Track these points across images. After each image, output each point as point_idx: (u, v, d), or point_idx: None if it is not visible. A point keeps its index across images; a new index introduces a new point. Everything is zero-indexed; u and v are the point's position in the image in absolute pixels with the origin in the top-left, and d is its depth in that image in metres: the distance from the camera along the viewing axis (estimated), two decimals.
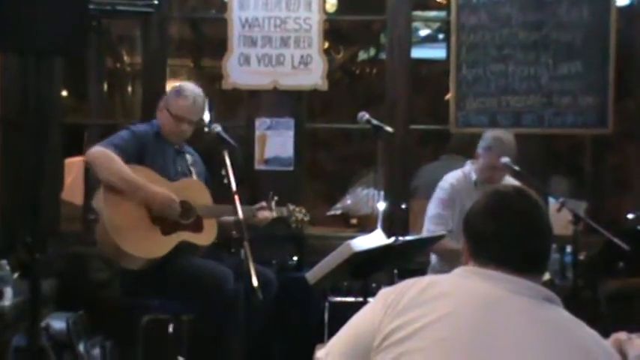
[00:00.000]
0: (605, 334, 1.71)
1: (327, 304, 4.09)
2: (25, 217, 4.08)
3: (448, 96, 4.96)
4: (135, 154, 3.60)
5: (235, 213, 3.18)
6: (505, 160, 3.88)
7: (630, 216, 4.94)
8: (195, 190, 3.73)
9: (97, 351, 4.15)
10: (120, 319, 3.85)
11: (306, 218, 3.91)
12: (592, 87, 4.78)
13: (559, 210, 3.71)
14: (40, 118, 4.39)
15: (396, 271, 4.00)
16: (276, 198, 3.85)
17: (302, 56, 4.84)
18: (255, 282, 2.97)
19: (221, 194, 3.53)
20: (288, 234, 4.39)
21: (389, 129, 3.55)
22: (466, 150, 4.50)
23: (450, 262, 3.61)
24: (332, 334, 1.69)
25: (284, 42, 4.84)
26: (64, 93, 5.63)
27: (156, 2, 4.81)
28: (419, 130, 5.32)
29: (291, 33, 4.84)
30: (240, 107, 5.42)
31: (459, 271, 1.63)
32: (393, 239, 3.11)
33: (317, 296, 4.18)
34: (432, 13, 6.96)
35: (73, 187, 5.40)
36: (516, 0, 4.78)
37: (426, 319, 1.51)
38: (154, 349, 3.70)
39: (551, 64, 4.79)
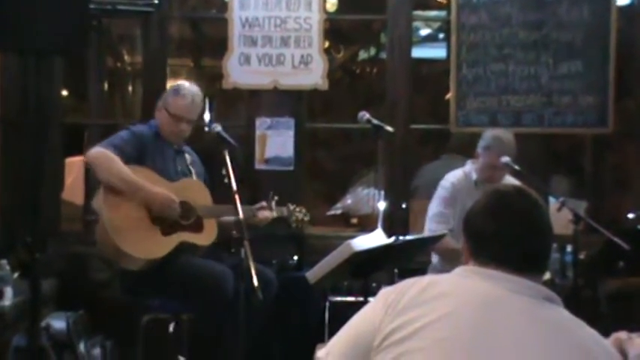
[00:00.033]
0: (606, 333, 1.71)
1: (327, 303, 4.09)
2: (25, 217, 4.08)
3: (448, 95, 4.96)
4: (135, 155, 3.60)
5: (235, 213, 3.18)
6: (505, 159, 3.87)
7: (630, 215, 4.95)
8: (195, 190, 3.73)
9: (97, 351, 4.15)
10: (120, 318, 3.85)
11: (306, 218, 3.91)
12: (592, 86, 4.78)
13: (559, 209, 3.71)
14: (40, 118, 4.39)
15: (396, 270, 4.00)
16: (276, 198, 3.85)
17: (302, 56, 4.84)
18: (255, 282, 2.97)
19: (221, 194, 3.53)
20: (288, 234, 4.39)
21: (389, 128, 3.54)
22: (466, 149, 4.50)
23: (451, 261, 3.61)
24: (332, 333, 1.69)
25: (284, 42, 4.84)
26: (64, 93, 5.63)
27: (156, 2, 4.81)
28: (419, 130, 5.32)
29: (292, 32, 4.84)
30: (240, 107, 5.42)
31: (459, 271, 1.63)
32: (393, 239, 3.12)
33: (317, 296, 4.18)
34: (433, 13, 6.96)
35: (73, 187, 5.41)
36: None
37: (426, 319, 1.51)
38: (154, 348, 3.70)
39: (551, 64, 4.79)
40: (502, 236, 1.60)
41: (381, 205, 3.73)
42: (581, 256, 4.17)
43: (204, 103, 4.01)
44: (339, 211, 5.78)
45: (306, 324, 4.26)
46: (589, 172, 5.62)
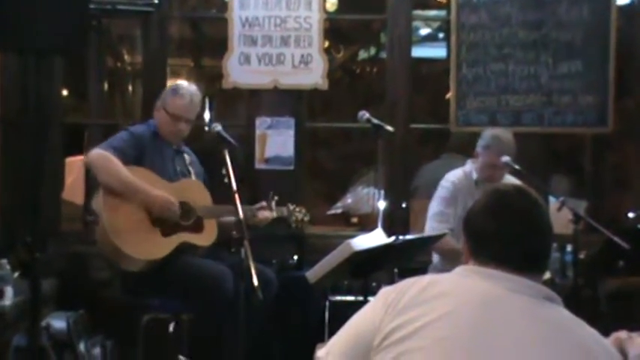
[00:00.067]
0: (606, 332, 1.71)
1: (327, 303, 4.09)
2: (25, 217, 4.07)
3: (448, 95, 4.96)
4: (134, 156, 3.60)
5: (235, 213, 3.17)
6: (506, 158, 3.88)
7: (630, 215, 4.94)
8: (195, 190, 3.73)
9: (97, 350, 4.15)
10: (120, 318, 3.85)
11: (306, 218, 3.91)
12: (592, 86, 4.78)
13: (559, 209, 3.71)
14: (40, 118, 4.38)
15: (396, 270, 4.00)
16: (276, 198, 3.85)
17: (302, 55, 4.84)
18: (255, 281, 2.97)
19: (221, 194, 3.53)
20: (288, 234, 4.39)
21: (389, 128, 3.55)
22: (466, 149, 4.50)
23: (451, 261, 3.61)
24: (332, 333, 1.69)
25: (284, 41, 4.84)
26: (65, 92, 5.63)
27: (156, 1, 4.81)
28: (419, 129, 5.32)
29: (292, 32, 4.84)
30: (240, 106, 5.42)
31: (459, 270, 1.63)
32: (393, 238, 3.12)
33: (317, 295, 4.18)
34: (432, 12, 6.96)
35: (73, 187, 5.40)
36: None
37: (426, 318, 1.51)
38: (154, 348, 3.70)
39: (551, 63, 4.79)
40: (502, 235, 1.60)
41: (381, 205, 3.73)
42: (581, 256, 4.17)
43: (203, 103, 4.01)
44: (339, 211, 5.78)
45: (306, 323, 4.26)
46: (589, 172, 5.61)
